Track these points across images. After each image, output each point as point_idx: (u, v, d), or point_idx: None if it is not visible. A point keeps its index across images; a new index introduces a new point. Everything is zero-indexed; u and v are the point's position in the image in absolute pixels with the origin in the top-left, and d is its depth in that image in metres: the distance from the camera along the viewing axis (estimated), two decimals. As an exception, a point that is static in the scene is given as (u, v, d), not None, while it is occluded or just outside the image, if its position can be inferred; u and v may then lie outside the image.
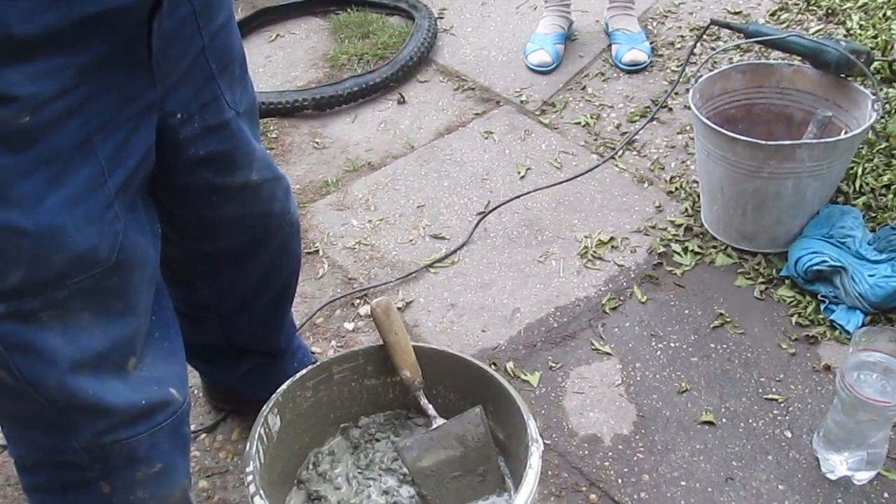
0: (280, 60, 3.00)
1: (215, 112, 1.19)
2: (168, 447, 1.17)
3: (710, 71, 2.18)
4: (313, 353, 1.89)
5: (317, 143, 2.61)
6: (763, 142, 1.89)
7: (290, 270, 1.57)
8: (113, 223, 1.01)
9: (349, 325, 2.03)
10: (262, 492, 1.28)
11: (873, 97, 1.97)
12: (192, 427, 1.78)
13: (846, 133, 2.01)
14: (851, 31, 2.74)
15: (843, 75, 2.06)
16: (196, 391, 1.86)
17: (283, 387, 1.44)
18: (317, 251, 2.22)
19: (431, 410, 1.49)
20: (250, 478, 1.30)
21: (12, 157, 0.90)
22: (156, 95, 1.06)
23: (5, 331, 0.99)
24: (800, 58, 2.12)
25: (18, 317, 0.98)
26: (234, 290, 1.53)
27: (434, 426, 1.48)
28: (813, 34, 2.72)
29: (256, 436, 1.36)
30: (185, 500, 1.25)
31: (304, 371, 1.48)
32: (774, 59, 2.20)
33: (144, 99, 1.04)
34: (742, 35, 2.16)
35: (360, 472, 1.50)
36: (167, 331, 1.21)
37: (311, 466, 1.53)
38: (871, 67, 2.07)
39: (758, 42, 2.17)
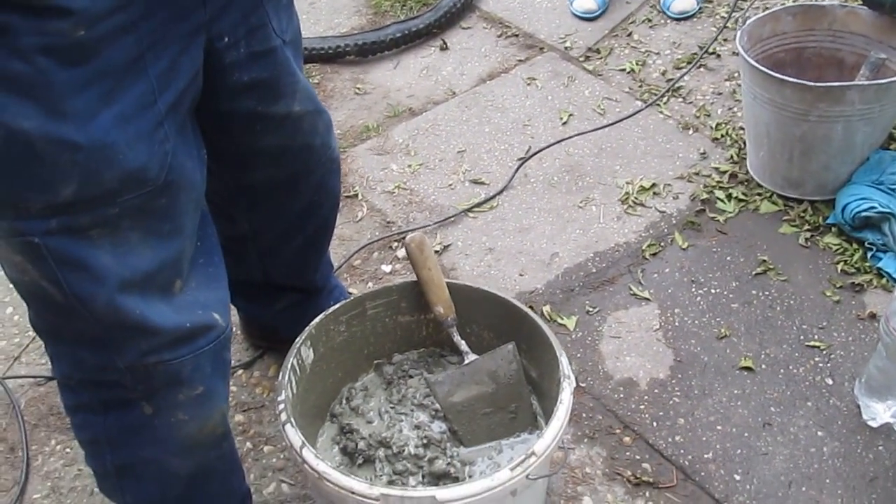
0: (323, 7, 2.98)
1: (262, 39, 1.19)
2: (210, 371, 1.17)
3: (760, 12, 2.12)
4: (350, 293, 1.89)
5: (358, 88, 2.60)
6: (812, 83, 1.84)
7: (330, 207, 1.56)
8: (163, 143, 1.02)
9: (386, 268, 2.03)
10: (293, 420, 1.29)
11: (930, 38, 1.90)
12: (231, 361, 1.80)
13: (900, 76, 1.94)
14: (911, -24, 2.64)
15: (898, 16, 1.99)
16: (234, 329, 1.87)
17: (317, 320, 1.45)
18: (356, 195, 2.22)
19: (464, 346, 1.49)
20: (282, 406, 1.31)
21: (67, 71, 0.91)
22: (205, 16, 1.06)
23: (56, 245, 1.00)
24: (854, -2, 2.05)
25: (69, 232, 0.99)
26: (274, 225, 1.53)
27: (466, 362, 1.47)
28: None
29: (289, 366, 1.37)
30: (223, 424, 1.26)
31: (337, 305, 1.48)
32: (827, 1, 2.13)
33: (194, 20, 1.04)
34: (793, -25, 2.10)
35: (392, 407, 1.50)
36: (211, 257, 1.21)
37: (343, 401, 1.54)
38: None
39: (810, -18, 2.10)
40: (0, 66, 0.88)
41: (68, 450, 1.70)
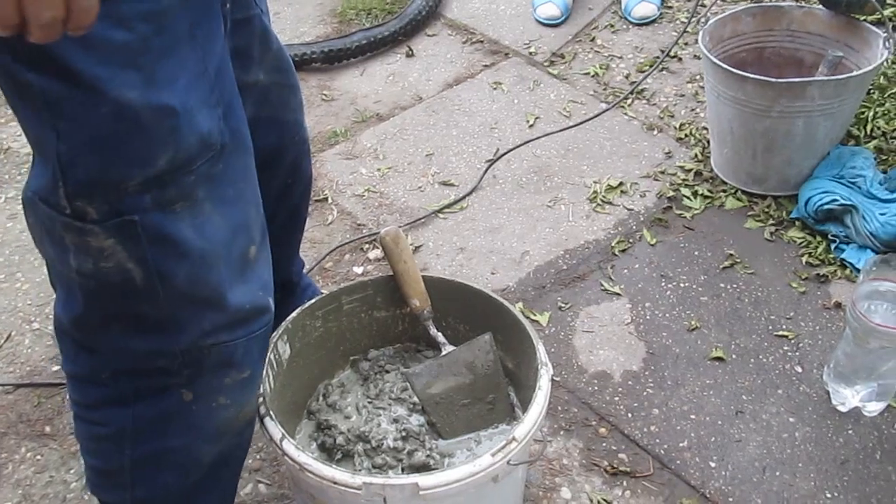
0: (289, 17, 2.99)
1: (244, 6, 1.21)
2: (258, 355, 1.17)
3: (720, 13, 2.17)
4: (323, 294, 1.89)
5: (325, 95, 2.61)
6: (773, 79, 1.88)
7: (301, 192, 1.56)
8: (216, 107, 1.02)
9: (358, 269, 2.03)
10: (272, 413, 1.28)
11: (885, 35, 1.95)
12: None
13: (857, 72, 1.99)
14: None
15: (854, 15, 2.04)
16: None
17: (293, 315, 1.44)
18: (326, 199, 2.22)
19: (441, 338, 1.49)
20: (260, 400, 1.30)
21: (160, 38, 0.92)
22: None
23: (151, 222, 0.98)
24: (811, -2, 2.11)
25: (159, 207, 0.99)
26: None
27: (443, 353, 1.48)
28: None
29: (266, 361, 1.36)
30: (255, 409, 1.26)
31: (313, 300, 1.48)
32: (785, 2, 2.18)
33: None
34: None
35: (369, 402, 1.50)
36: (266, 236, 1.20)
37: (320, 398, 1.53)
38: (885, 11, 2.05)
39: (768, -16, 2.16)
40: (105, 37, 0.88)
41: (39, 457, 1.67)
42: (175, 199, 0.99)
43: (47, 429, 1.72)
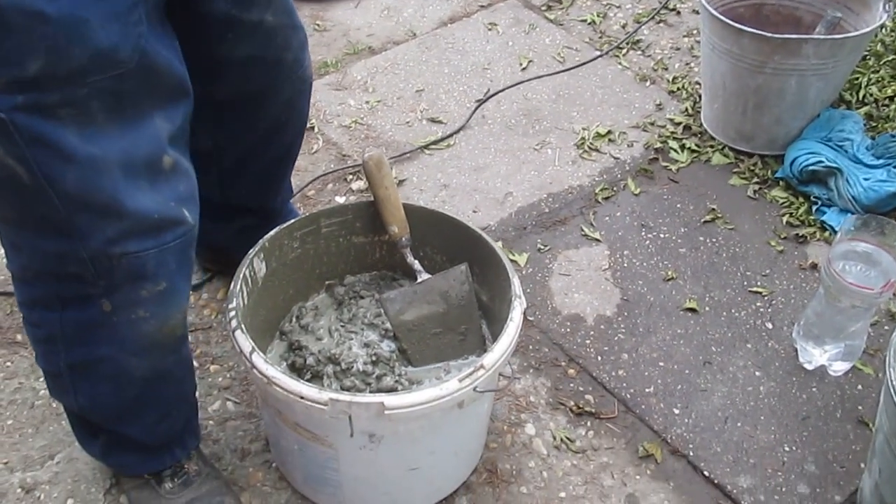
0: (286, -58, 2.94)
1: None
2: (175, 267, 1.16)
3: (722, -33, 2.14)
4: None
5: (318, 25, 2.58)
6: (770, 34, 1.87)
7: (296, 130, 1.54)
8: (136, 25, 1.00)
9: (340, 199, 2.02)
10: (243, 327, 1.28)
11: (885, -1, 1.94)
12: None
13: (854, 35, 1.98)
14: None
15: (856, -23, 2.03)
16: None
17: (271, 233, 1.44)
18: (312, 127, 2.20)
19: (417, 266, 1.49)
20: (232, 313, 1.30)
21: None
22: None
23: (24, 122, 0.97)
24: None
25: (37, 110, 0.97)
26: (237, 143, 1.51)
27: (419, 280, 1.48)
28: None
29: (241, 276, 1.36)
30: (183, 325, 1.25)
31: (292, 220, 1.47)
32: (788, -39, 2.16)
33: None
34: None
35: (342, 326, 1.50)
36: (186, 150, 1.18)
37: (293, 319, 1.54)
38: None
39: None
40: None
41: (9, 363, 1.67)
42: (58, 105, 0.98)
43: (18, 337, 1.71)
